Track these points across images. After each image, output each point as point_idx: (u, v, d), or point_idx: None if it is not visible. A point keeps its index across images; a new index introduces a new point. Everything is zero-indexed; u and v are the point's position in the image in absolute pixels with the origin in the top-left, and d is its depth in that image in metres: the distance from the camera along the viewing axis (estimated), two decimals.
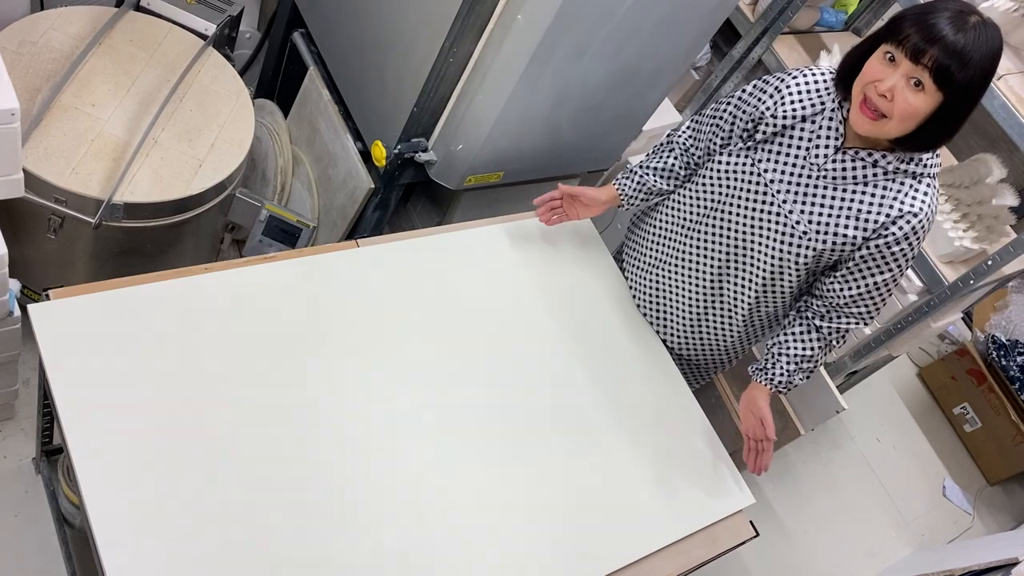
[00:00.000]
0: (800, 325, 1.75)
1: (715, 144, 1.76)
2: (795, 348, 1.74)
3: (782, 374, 1.75)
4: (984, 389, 3.56)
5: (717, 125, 1.76)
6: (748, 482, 1.84)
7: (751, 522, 1.81)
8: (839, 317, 1.70)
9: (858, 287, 1.64)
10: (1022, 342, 3.52)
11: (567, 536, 1.58)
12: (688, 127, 1.86)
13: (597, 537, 1.61)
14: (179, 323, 1.47)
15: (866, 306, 1.68)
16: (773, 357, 1.76)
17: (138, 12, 2.14)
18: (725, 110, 1.74)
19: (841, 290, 1.66)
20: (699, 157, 1.83)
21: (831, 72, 1.64)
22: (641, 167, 1.89)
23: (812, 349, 1.73)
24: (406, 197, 2.50)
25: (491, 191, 2.23)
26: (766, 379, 1.77)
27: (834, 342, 1.74)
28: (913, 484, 3.43)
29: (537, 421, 1.69)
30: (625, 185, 1.90)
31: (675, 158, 1.86)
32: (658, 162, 1.88)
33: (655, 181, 1.88)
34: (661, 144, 1.90)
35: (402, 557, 1.42)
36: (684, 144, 1.85)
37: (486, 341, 1.75)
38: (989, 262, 2.34)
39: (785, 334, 1.76)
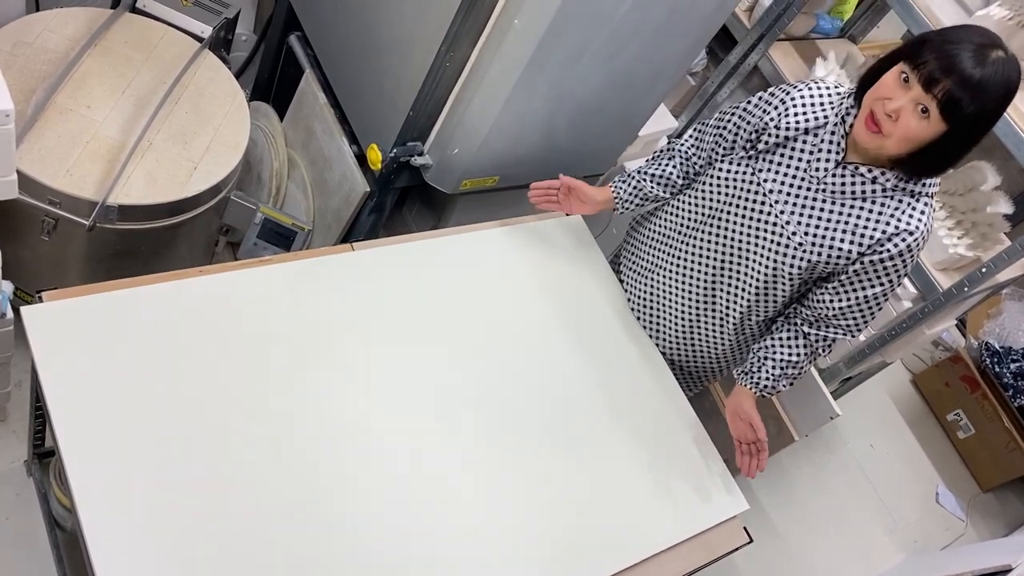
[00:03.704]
0: (788, 330, 1.75)
1: (717, 153, 1.76)
2: (781, 353, 1.74)
3: (767, 378, 1.75)
4: (978, 396, 3.57)
5: (720, 135, 1.76)
6: (742, 488, 1.84)
7: (745, 528, 1.81)
8: (827, 327, 1.71)
9: (847, 300, 1.65)
10: (1015, 349, 3.52)
11: (561, 541, 1.57)
12: (691, 135, 1.86)
13: (591, 542, 1.60)
14: (173, 326, 1.47)
15: (854, 318, 1.68)
16: (759, 361, 1.77)
17: (134, 14, 2.14)
18: (730, 120, 1.74)
19: (831, 302, 1.66)
20: (700, 166, 1.83)
21: (836, 87, 1.64)
22: (639, 172, 1.89)
23: (798, 355, 1.73)
24: (401, 201, 2.49)
25: (487, 195, 2.23)
26: (751, 383, 1.77)
27: (820, 351, 1.73)
28: (906, 490, 3.43)
29: (531, 426, 1.69)
30: (621, 189, 1.90)
31: (674, 167, 1.86)
32: (656, 169, 1.87)
33: (651, 187, 1.87)
34: (661, 151, 1.90)
35: (393, 559, 1.41)
36: (686, 152, 1.85)
37: (481, 345, 1.75)
38: (983, 269, 2.34)
39: (772, 338, 1.76)
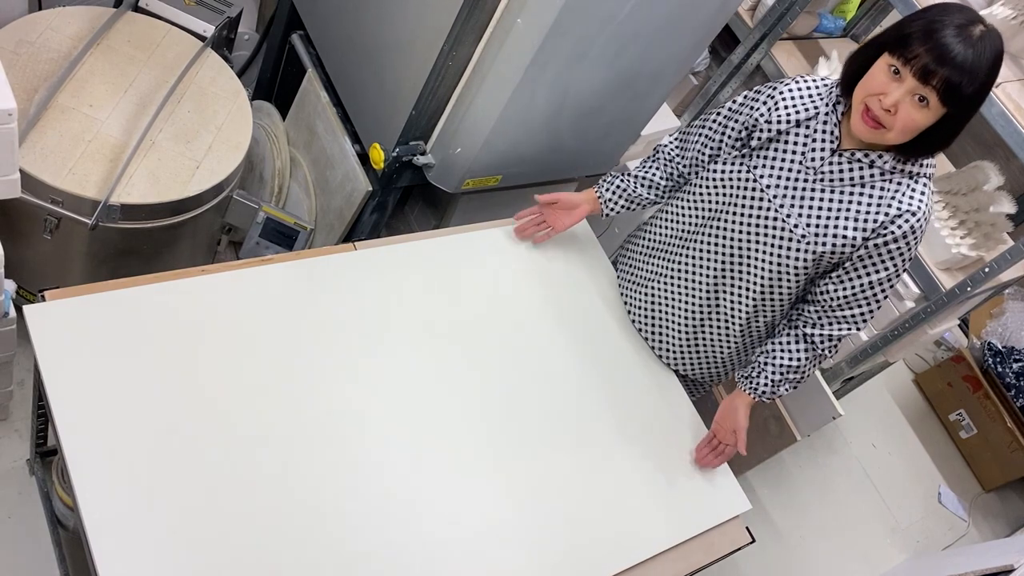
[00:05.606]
0: (789, 334, 1.74)
1: (703, 156, 1.77)
2: (782, 358, 1.73)
3: (767, 384, 1.74)
4: (980, 396, 3.57)
5: (706, 136, 1.76)
6: (744, 488, 1.84)
7: (747, 528, 1.81)
8: (831, 323, 1.69)
9: (852, 287, 1.63)
10: (1018, 349, 3.52)
11: (563, 541, 1.57)
12: (676, 137, 1.87)
13: (593, 543, 1.60)
14: (175, 325, 1.47)
15: (859, 307, 1.66)
16: (760, 365, 1.76)
17: (136, 13, 2.14)
18: (715, 120, 1.75)
19: (835, 290, 1.65)
20: (685, 167, 1.84)
21: (824, 79, 1.65)
22: (623, 174, 1.91)
23: (799, 360, 1.72)
24: (404, 200, 2.49)
25: (489, 194, 2.23)
26: (750, 387, 1.76)
27: (825, 351, 1.72)
28: (908, 490, 3.43)
29: (534, 427, 1.69)
30: (604, 188, 1.90)
31: (657, 169, 1.87)
32: (639, 171, 1.89)
33: (634, 187, 1.88)
34: (648, 157, 1.91)
35: (393, 558, 1.42)
36: (669, 154, 1.86)
37: (483, 345, 1.75)
38: (986, 269, 2.34)
39: (773, 342, 1.75)
